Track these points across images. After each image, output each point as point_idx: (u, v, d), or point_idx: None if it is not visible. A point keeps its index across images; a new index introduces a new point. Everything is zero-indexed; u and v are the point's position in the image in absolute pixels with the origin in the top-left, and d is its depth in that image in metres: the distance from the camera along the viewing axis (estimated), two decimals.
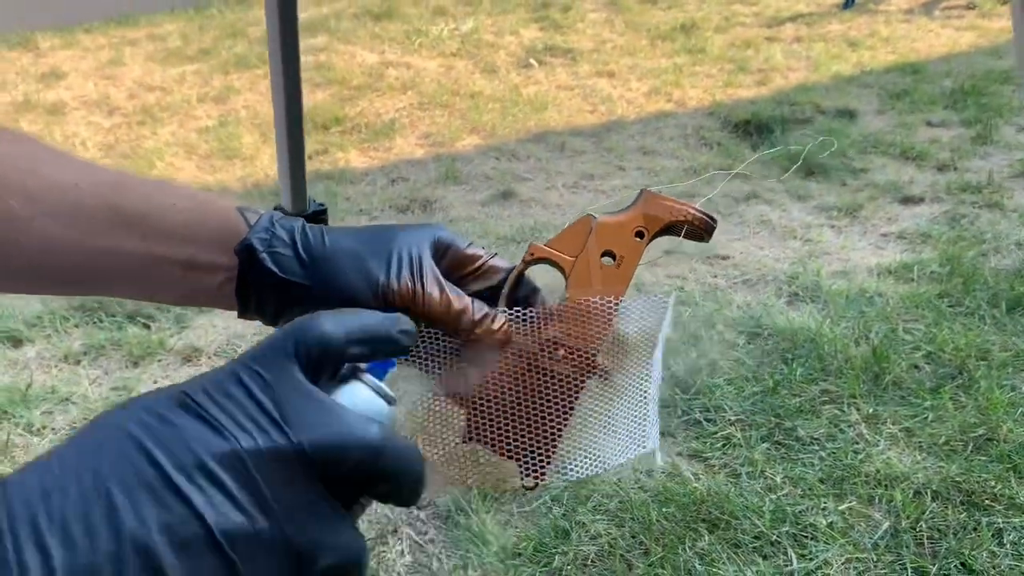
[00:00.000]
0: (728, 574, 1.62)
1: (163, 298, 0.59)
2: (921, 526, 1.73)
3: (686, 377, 2.16)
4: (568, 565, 1.66)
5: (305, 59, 4.90)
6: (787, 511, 1.77)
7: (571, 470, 0.57)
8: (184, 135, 4.11)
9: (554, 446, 0.56)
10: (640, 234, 0.59)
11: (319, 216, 1.25)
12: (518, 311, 0.57)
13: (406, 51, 5.27)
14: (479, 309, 0.56)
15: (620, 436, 0.57)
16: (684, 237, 0.61)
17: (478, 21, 5.72)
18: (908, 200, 3.26)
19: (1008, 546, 1.67)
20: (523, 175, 3.61)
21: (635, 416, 0.58)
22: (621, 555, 1.67)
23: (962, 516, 1.75)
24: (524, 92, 4.58)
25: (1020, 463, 1.86)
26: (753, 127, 3.97)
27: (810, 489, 1.83)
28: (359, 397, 0.40)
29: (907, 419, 2.02)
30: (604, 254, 0.59)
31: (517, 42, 5.40)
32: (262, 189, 3.49)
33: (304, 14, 5.81)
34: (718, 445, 1.97)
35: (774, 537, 1.71)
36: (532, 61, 5.04)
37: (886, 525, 1.74)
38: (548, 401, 0.56)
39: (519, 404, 0.56)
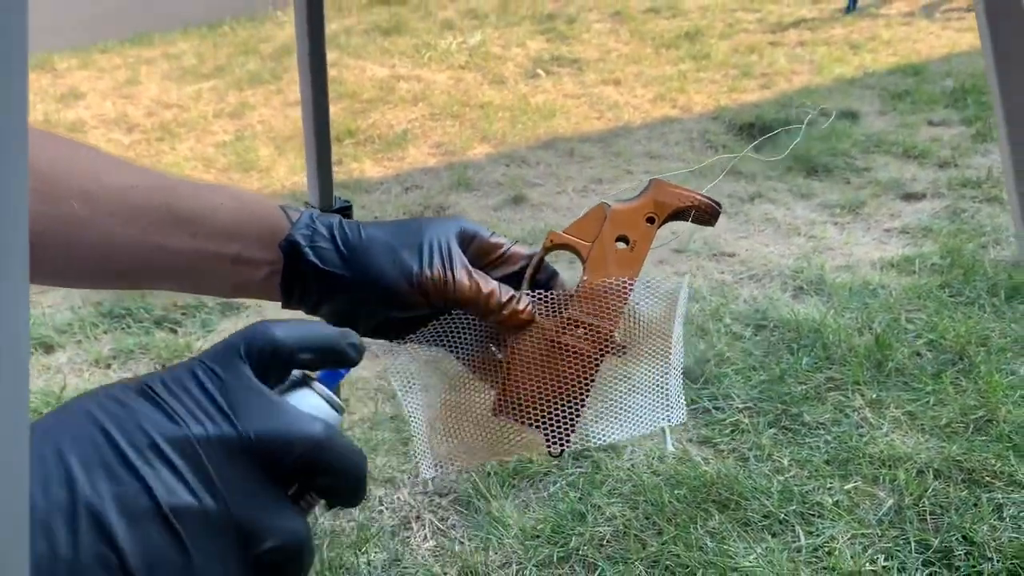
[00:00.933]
0: (739, 551, 1.69)
1: (212, 290, 0.64)
2: (924, 503, 1.79)
3: (695, 367, 2.23)
4: (584, 545, 1.73)
5: None
6: (794, 491, 1.84)
7: (594, 437, 0.62)
8: (202, 150, 4.22)
9: (577, 416, 0.62)
10: (651, 219, 0.65)
11: (344, 212, 1.34)
12: (540, 293, 0.63)
13: (416, 64, 5.38)
14: (505, 292, 0.62)
15: (639, 406, 0.63)
16: (692, 222, 0.67)
17: (485, 34, 5.83)
18: (910, 196, 3.33)
19: (1008, 520, 1.74)
20: (533, 181, 3.70)
21: (654, 388, 0.63)
22: (635, 535, 1.75)
23: (963, 493, 1.82)
24: (532, 101, 4.67)
25: (1019, 442, 1.92)
26: (757, 130, 4.05)
27: (816, 470, 1.90)
28: (307, 402, 0.41)
29: (909, 403, 2.09)
30: (618, 239, 0.64)
31: (524, 53, 5.50)
32: (278, 199, 3.58)
33: None
34: (727, 431, 2.04)
35: (782, 516, 1.78)
36: (539, 71, 5.14)
37: (890, 503, 1.80)
38: (570, 375, 0.62)
39: (543, 378, 0.62)
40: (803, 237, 3.03)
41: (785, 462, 1.93)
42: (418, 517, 1.84)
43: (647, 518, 1.80)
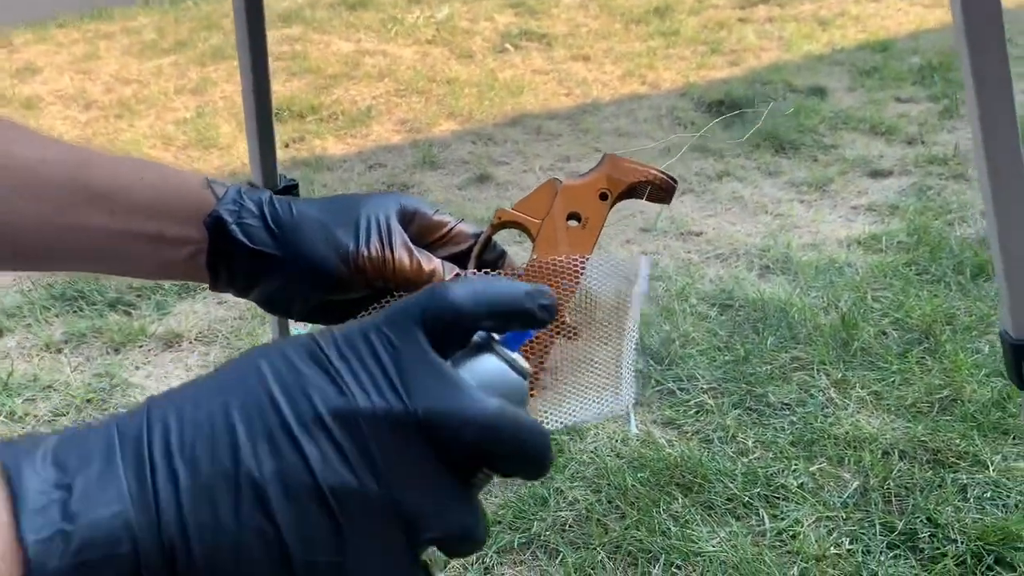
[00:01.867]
0: (702, 535, 1.67)
1: (134, 272, 0.60)
2: (889, 484, 1.78)
3: (660, 348, 2.20)
4: (547, 531, 1.70)
5: (280, 49, 4.91)
6: (759, 474, 1.81)
7: (544, 423, 0.58)
8: (161, 127, 4.11)
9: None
10: (604, 196, 0.61)
11: (289, 191, 1.28)
12: (487, 273, 0.60)
13: (382, 39, 5.28)
14: (449, 271, 0.58)
15: (591, 391, 0.59)
16: (647, 199, 0.63)
17: (453, 8, 5.73)
18: (877, 173, 3.31)
19: (972, 501, 1.73)
20: (500, 159, 3.64)
21: (607, 372, 0.60)
22: (598, 519, 1.72)
23: (928, 474, 1.81)
24: (500, 77, 4.60)
25: (984, 422, 1.92)
26: (726, 107, 4.01)
27: (781, 452, 1.88)
28: (489, 368, 0.39)
29: (875, 383, 2.08)
30: (570, 216, 0.61)
31: (492, 28, 5.41)
32: (239, 178, 3.50)
33: (280, 5, 5.81)
34: (691, 412, 2.02)
35: (746, 499, 1.76)
36: (508, 46, 5.06)
37: (855, 484, 1.79)
38: None
39: None
40: (770, 215, 3.01)
41: (750, 444, 1.91)
42: None
43: (610, 502, 1.77)
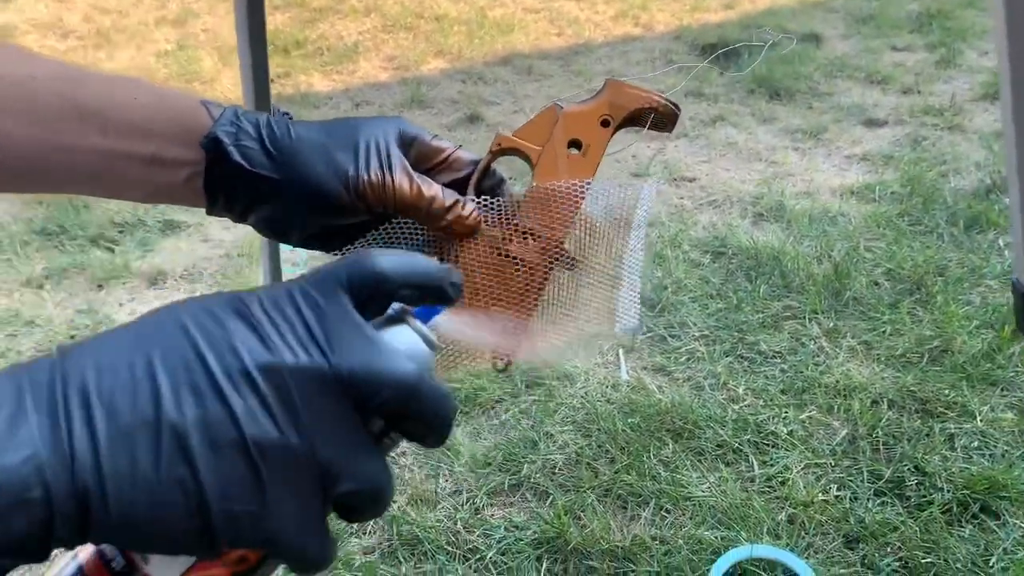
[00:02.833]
0: (692, 480, 1.68)
1: (128, 195, 0.57)
2: (877, 433, 1.79)
3: (653, 295, 2.19)
4: (536, 473, 1.70)
5: None
6: (749, 421, 1.82)
7: (543, 350, 0.59)
8: (142, 59, 4.00)
9: (524, 330, 0.58)
10: (606, 122, 0.60)
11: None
12: (486, 199, 0.58)
13: None
14: (449, 196, 0.56)
15: (589, 316, 0.59)
16: (649, 128, 0.62)
17: None
18: (872, 123, 3.28)
19: (959, 450, 1.74)
20: (490, 99, 3.57)
21: (605, 296, 0.59)
22: (588, 463, 1.72)
23: (916, 423, 1.82)
24: (490, 15, 4.50)
25: (973, 373, 1.92)
26: (720, 50, 3.95)
27: (771, 400, 1.88)
28: (403, 339, 0.40)
29: (866, 333, 2.08)
30: (570, 144, 0.59)
31: None
32: None
33: None
34: (682, 360, 2.01)
35: (736, 445, 1.76)
36: None
37: (844, 432, 1.80)
38: (516, 286, 0.58)
39: (488, 290, 0.58)
40: (764, 162, 2.98)
41: (740, 391, 1.91)
42: None
43: (600, 446, 1.77)
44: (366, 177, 0.54)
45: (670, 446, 1.76)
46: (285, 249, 1.48)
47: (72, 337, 2.08)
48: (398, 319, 0.41)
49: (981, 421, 1.80)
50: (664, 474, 1.69)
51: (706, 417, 1.82)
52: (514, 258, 0.58)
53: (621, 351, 1.99)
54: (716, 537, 1.56)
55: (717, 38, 4.06)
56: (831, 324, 2.10)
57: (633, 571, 1.49)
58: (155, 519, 0.31)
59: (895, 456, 1.74)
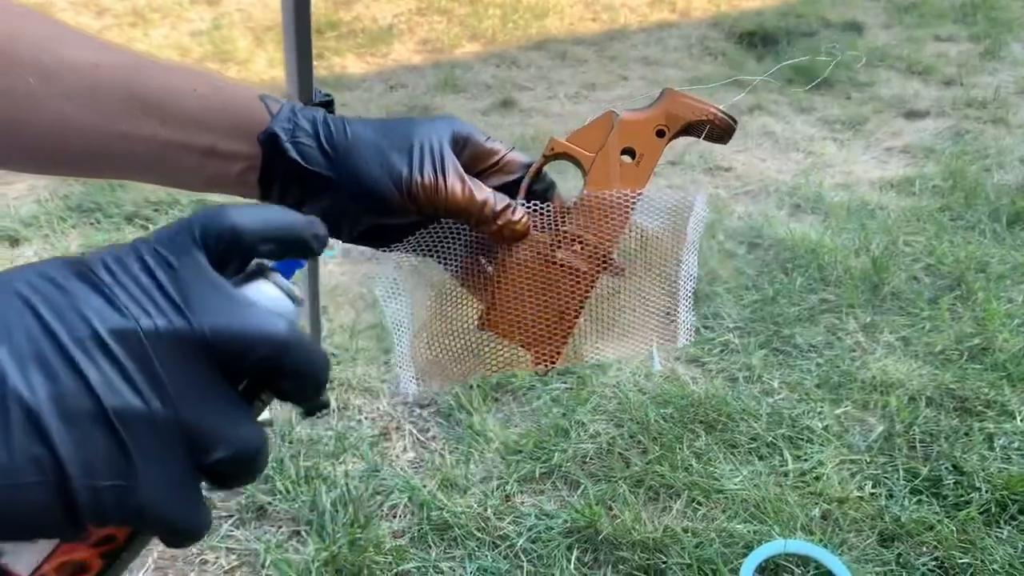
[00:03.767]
0: (724, 472, 1.66)
1: (182, 184, 0.58)
2: (914, 430, 1.76)
3: None
4: (567, 462, 1.69)
5: None
6: (783, 414, 1.80)
7: (586, 355, 0.59)
8: (177, 38, 4.01)
9: (567, 336, 0.58)
10: (661, 132, 0.59)
11: (327, 107, 1.23)
12: (536, 204, 0.58)
13: None
14: (500, 201, 0.57)
15: (636, 327, 0.59)
16: (704, 139, 0.61)
17: None
18: (912, 114, 3.22)
19: (998, 450, 1.71)
20: (524, 84, 3.55)
21: (655, 310, 0.59)
22: (620, 453, 1.70)
23: (954, 421, 1.79)
24: None
25: (1014, 372, 1.89)
26: (758, 38, 3.90)
27: (807, 394, 1.86)
28: (265, 294, 0.38)
29: (904, 328, 2.04)
30: (624, 151, 0.59)
31: None
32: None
33: None
34: (716, 351, 1.99)
35: (770, 439, 1.74)
36: None
37: (880, 429, 1.77)
38: (562, 293, 0.58)
39: (534, 294, 0.58)
40: (802, 153, 2.94)
41: (775, 384, 1.89)
42: (398, 428, 1.79)
43: (631, 436, 1.75)
44: (419, 179, 0.55)
45: (703, 438, 1.74)
46: None
47: None
48: (259, 273, 0.39)
49: (1021, 421, 1.77)
50: (697, 466, 1.67)
51: (740, 410, 1.80)
52: (561, 264, 0.58)
53: (687, 341, 1.97)
54: (748, 531, 1.54)
55: (756, 26, 4.00)
56: (868, 319, 2.07)
57: (664, 563, 1.48)
58: (11, 503, 0.29)
59: (932, 454, 1.71)
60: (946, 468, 1.67)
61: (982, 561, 1.48)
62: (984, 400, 1.82)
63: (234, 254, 0.36)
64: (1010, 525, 1.55)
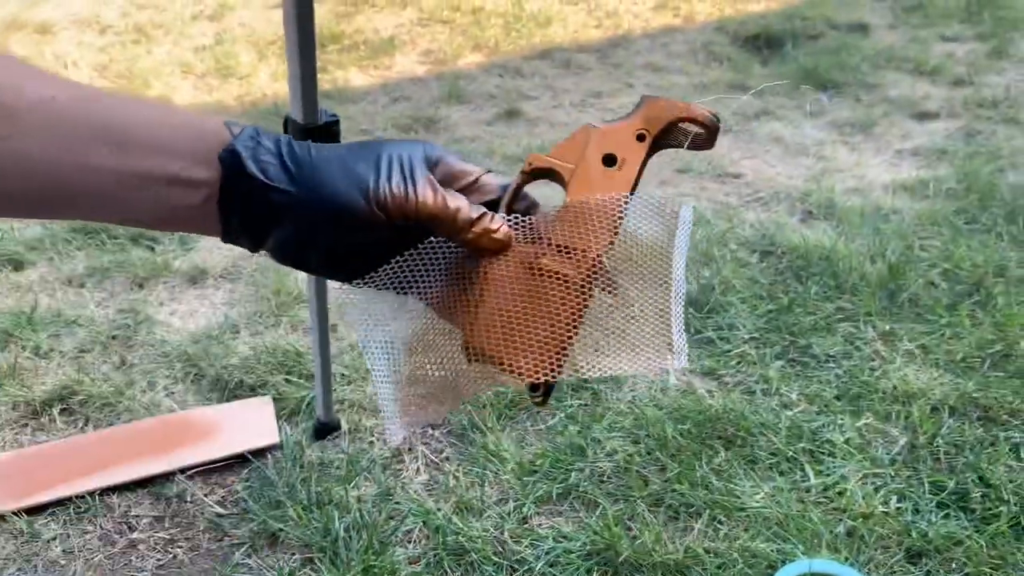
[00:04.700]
0: (745, 489, 1.62)
1: (143, 217, 0.56)
2: (938, 442, 1.72)
3: (700, 296, 2.13)
4: (584, 481, 1.66)
5: None
6: (803, 428, 1.76)
7: (582, 370, 0.55)
8: (180, 54, 4.00)
9: (562, 347, 0.54)
10: (641, 136, 0.57)
11: (331, 127, 1.20)
12: (517, 216, 0.56)
13: None
14: (475, 209, 0.54)
15: (636, 344, 0.56)
16: (688, 147, 0.58)
17: None
18: (923, 116, 3.19)
19: None
20: (528, 93, 3.52)
21: (653, 325, 0.56)
22: (637, 471, 1.67)
23: (979, 431, 1.75)
24: (527, 7, 4.45)
25: None
26: (763, 42, 3.87)
27: (826, 406, 1.82)
28: None
29: (923, 336, 2.01)
30: (605, 160, 0.57)
31: None
32: (260, 108, 3.41)
33: None
34: (732, 363, 1.96)
35: (790, 453, 1.70)
36: None
37: (903, 441, 1.73)
38: (552, 302, 0.54)
39: (520, 306, 0.55)
40: (812, 158, 2.90)
41: (793, 396, 1.85)
42: (410, 449, 1.76)
43: (649, 453, 1.72)
44: (388, 187, 0.53)
45: (722, 454, 1.70)
46: None
47: (114, 338, 2.07)
48: None
49: None
50: (717, 483, 1.63)
51: (758, 424, 1.76)
52: (547, 272, 0.55)
53: (684, 363, 1.94)
54: (772, 550, 1.50)
55: (760, 29, 3.98)
56: (886, 327, 2.03)
57: None
58: None
59: (957, 466, 1.67)
60: (972, 480, 1.63)
61: None
62: (1008, 409, 1.78)
63: None
64: None
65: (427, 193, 0.53)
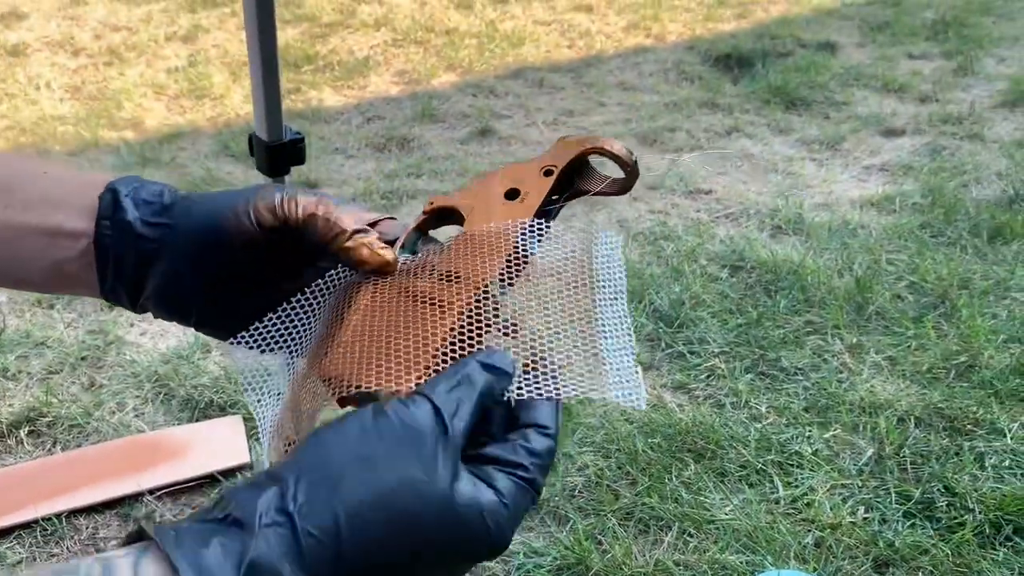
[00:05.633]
0: (715, 502, 1.63)
1: (26, 275, 0.55)
2: (905, 452, 1.74)
3: (670, 311, 2.15)
4: (556, 496, 1.66)
5: None
6: (772, 440, 1.77)
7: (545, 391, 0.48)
8: (153, 75, 3.99)
9: (432, 363, 0.47)
10: (548, 172, 0.54)
11: (296, 144, 1.21)
12: (407, 256, 0.54)
13: None
14: (360, 223, 0.53)
15: (573, 371, 0.50)
16: (603, 191, 0.55)
17: None
18: (890, 132, 3.24)
19: (989, 469, 1.69)
20: (502, 112, 3.55)
21: (583, 357, 0.51)
22: (608, 485, 1.68)
23: (944, 441, 1.77)
24: (500, 28, 4.48)
25: (1001, 389, 1.88)
26: (734, 61, 3.92)
27: (795, 418, 1.84)
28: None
29: (890, 348, 2.03)
30: (507, 195, 0.54)
31: None
32: (233, 128, 3.41)
33: None
34: (702, 377, 1.97)
35: (759, 465, 1.72)
36: None
37: (870, 452, 1.75)
38: (422, 326, 0.48)
39: (385, 329, 0.49)
40: (781, 174, 2.94)
41: (762, 409, 1.87)
42: None
43: (620, 468, 1.73)
44: (262, 202, 0.52)
45: (692, 467, 1.71)
46: None
47: (83, 359, 2.05)
48: None
49: (1011, 439, 1.75)
50: (687, 496, 1.64)
51: (728, 436, 1.78)
52: (423, 297, 0.50)
53: (639, 369, 1.95)
54: (741, 562, 1.51)
55: (731, 48, 4.02)
56: (854, 339, 2.06)
57: None
58: None
59: (924, 476, 1.69)
60: (938, 490, 1.65)
61: None
62: (973, 419, 1.81)
63: None
64: (1005, 547, 1.53)
65: (305, 197, 0.52)
